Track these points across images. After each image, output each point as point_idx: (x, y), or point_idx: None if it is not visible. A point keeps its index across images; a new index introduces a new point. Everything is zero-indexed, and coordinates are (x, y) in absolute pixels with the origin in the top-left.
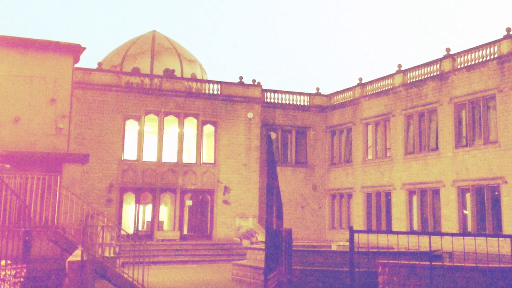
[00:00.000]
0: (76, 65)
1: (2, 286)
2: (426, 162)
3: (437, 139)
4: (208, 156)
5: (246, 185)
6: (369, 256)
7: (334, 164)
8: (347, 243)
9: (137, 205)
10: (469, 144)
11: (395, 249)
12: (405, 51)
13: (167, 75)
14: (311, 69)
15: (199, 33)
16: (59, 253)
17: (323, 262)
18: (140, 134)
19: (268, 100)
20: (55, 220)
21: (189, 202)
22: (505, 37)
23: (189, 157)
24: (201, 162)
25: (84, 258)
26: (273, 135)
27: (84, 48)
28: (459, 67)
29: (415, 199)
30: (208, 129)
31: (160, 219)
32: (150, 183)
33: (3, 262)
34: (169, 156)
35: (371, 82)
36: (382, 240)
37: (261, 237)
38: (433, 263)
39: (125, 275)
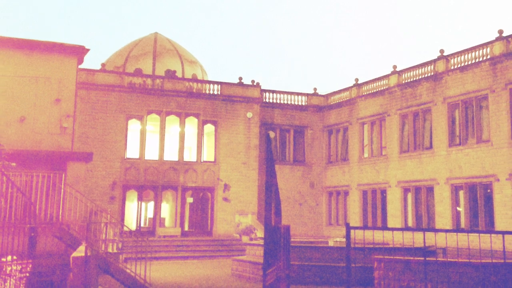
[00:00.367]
0: (80, 66)
1: (8, 281)
2: (421, 161)
3: (431, 138)
4: (208, 154)
5: (245, 182)
6: (365, 252)
7: (331, 163)
8: (344, 239)
9: (139, 202)
10: (462, 143)
11: (391, 245)
12: (400, 53)
13: (168, 75)
14: (308, 70)
15: (200, 35)
16: (64, 249)
17: (320, 257)
18: (142, 133)
19: (267, 100)
20: (60, 216)
21: (190, 199)
22: (497, 39)
23: (190, 155)
24: (202, 161)
25: (88, 254)
26: (272, 134)
27: (88, 50)
28: (452, 68)
29: (409, 196)
30: (209, 128)
31: (162, 216)
32: (152, 180)
33: (9, 258)
34: (171, 155)
35: (367, 83)
36: (378, 236)
37: (260, 233)
38: (427, 259)
39: (128, 270)
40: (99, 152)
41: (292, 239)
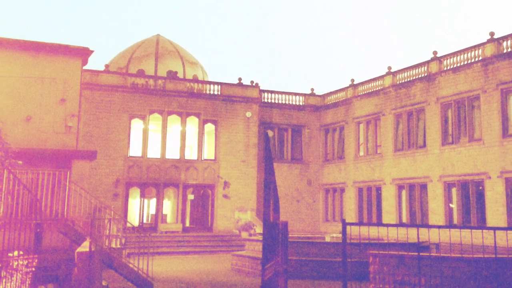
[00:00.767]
0: (84, 67)
1: (15, 276)
2: (415, 159)
3: (424, 137)
4: (209, 153)
5: (244, 180)
6: (360, 247)
7: (328, 161)
8: (340, 235)
9: (142, 199)
10: (455, 142)
11: (385, 241)
12: (394, 54)
13: (170, 76)
14: (306, 71)
15: (201, 36)
16: (69, 244)
17: (317, 252)
18: (145, 132)
19: (266, 100)
20: (65, 213)
21: (191, 196)
22: (488, 41)
23: (191, 154)
24: (202, 159)
25: (92, 249)
26: (270, 133)
27: (92, 51)
28: (445, 69)
29: (404, 193)
30: (209, 127)
31: (164, 212)
32: (154, 178)
33: (15, 253)
34: (172, 153)
35: (362, 83)
36: (373, 232)
37: (259, 229)
38: (421, 254)
39: (131, 265)
40: (103, 151)
41: (290, 235)
